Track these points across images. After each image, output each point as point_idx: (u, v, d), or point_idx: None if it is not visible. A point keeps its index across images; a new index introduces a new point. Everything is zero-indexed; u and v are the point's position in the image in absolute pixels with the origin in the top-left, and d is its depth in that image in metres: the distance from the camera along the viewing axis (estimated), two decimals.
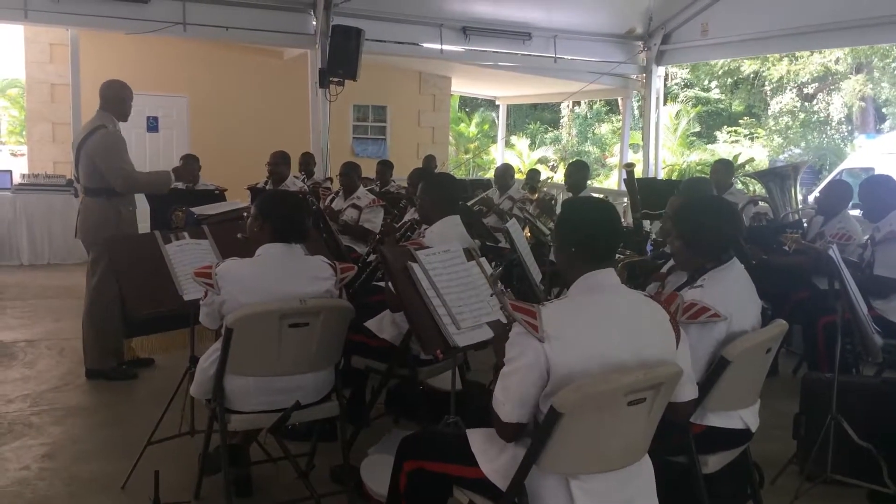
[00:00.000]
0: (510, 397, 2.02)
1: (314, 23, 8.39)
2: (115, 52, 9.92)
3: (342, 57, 8.11)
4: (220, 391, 2.80)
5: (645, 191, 6.45)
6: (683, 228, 2.78)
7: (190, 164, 6.31)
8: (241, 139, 10.94)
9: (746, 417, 2.69)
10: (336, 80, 8.32)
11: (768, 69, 20.17)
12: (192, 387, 3.01)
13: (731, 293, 2.64)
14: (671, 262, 3.38)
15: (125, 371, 4.71)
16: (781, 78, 20.41)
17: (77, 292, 6.61)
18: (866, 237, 4.70)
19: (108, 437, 3.87)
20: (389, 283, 3.07)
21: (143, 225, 5.44)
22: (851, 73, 19.87)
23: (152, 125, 11.00)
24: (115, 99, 4.65)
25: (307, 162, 8.00)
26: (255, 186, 6.68)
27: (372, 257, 4.73)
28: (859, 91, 19.60)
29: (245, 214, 4.14)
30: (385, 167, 7.97)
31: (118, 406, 4.29)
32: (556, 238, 2.26)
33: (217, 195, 5.58)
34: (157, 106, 10.85)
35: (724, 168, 6.70)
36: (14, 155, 21.52)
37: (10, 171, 8.87)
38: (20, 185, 8.61)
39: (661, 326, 2.13)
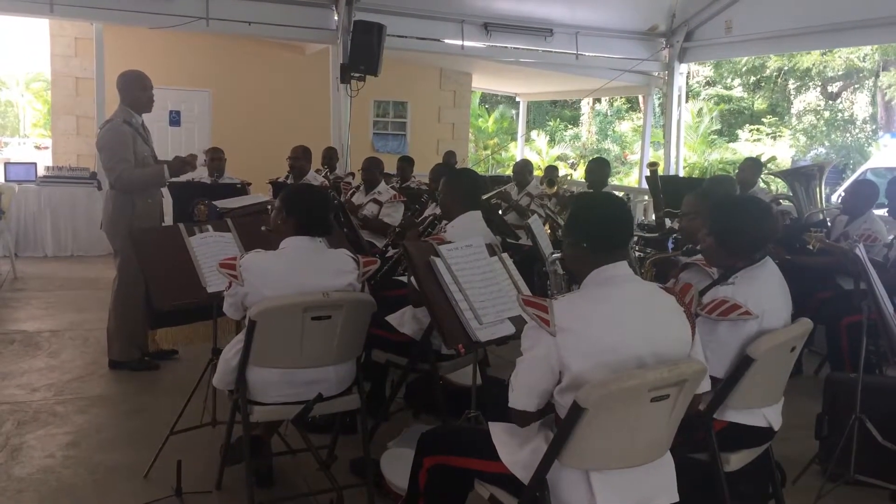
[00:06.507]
0: (518, 385, 2.08)
1: (336, 18, 8.42)
2: (139, 46, 9.99)
3: (364, 52, 8.13)
4: (242, 382, 2.82)
5: (667, 189, 6.42)
6: (718, 228, 2.75)
7: (217, 155, 6.79)
8: (263, 133, 11.00)
9: (769, 416, 2.67)
10: (357, 75, 8.35)
11: (798, 59, 19.80)
12: (214, 378, 3.03)
13: (764, 291, 2.62)
14: (686, 260, 3.36)
15: (148, 362, 4.75)
16: (808, 69, 20.10)
17: (100, 283, 6.71)
18: (891, 237, 4.64)
19: (132, 426, 3.91)
20: (411, 278, 3.08)
21: (167, 218, 5.49)
22: (879, 70, 19.55)
23: (174, 119, 11.08)
24: (127, 89, 4.61)
25: (330, 156, 8.03)
26: (277, 181, 6.73)
27: (391, 251, 4.75)
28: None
29: (269, 208, 4.16)
30: (406, 163, 7.99)
31: (142, 396, 4.33)
32: (568, 234, 2.22)
33: (239, 189, 5.61)
34: (179, 100, 10.93)
35: (753, 167, 6.61)
36: (38, 148, 21.85)
37: (35, 164, 9.01)
38: (45, 177, 8.71)
39: (675, 317, 2.12)
